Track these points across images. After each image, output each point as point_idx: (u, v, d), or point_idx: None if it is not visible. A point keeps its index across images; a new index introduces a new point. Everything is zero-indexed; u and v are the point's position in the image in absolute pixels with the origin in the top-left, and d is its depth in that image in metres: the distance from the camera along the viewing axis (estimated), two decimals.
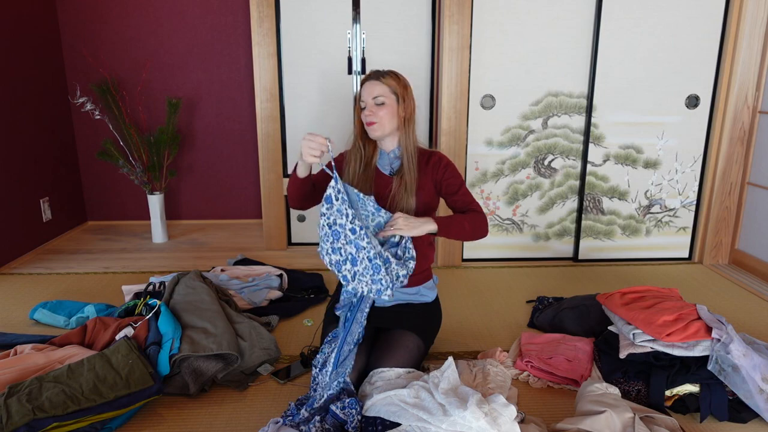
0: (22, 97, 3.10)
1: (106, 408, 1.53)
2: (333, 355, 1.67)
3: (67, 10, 3.44)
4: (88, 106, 3.21)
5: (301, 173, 1.74)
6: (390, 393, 1.54)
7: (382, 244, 1.68)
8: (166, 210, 3.70)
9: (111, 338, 1.88)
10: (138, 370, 1.65)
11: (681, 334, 1.70)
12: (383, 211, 1.72)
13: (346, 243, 1.62)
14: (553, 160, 2.99)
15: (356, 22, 2.95)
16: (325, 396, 1.60)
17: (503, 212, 3.05)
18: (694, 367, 1.68)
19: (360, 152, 1.84)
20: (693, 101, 2.94)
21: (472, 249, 3.08)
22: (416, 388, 1.53)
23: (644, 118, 2.95)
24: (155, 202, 3.37)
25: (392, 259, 1.65)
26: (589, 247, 3.11)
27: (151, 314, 1.93)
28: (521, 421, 1.51)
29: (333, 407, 1.56)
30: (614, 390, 1.61)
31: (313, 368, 1.72)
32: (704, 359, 1.68)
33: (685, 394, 1.68)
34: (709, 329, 1.71)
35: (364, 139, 1.84)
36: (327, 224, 1.63)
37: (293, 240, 3.31)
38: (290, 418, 1.56)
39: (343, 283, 1.69)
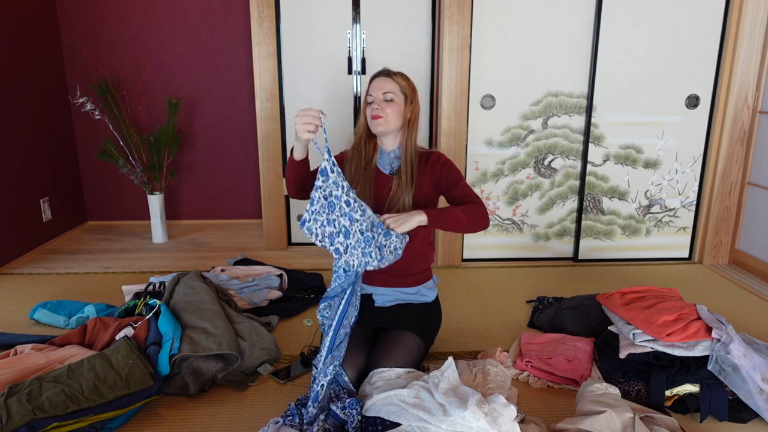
0: (22, 97, 3.10)
1: (106, 408, 1.53)
2: (328, 339, 1.65)
3: (67, 10, 3.44)
4: (88, 106, 3.21)
5: (298, 154, 1.70)
6: (390, 393, 1.54)
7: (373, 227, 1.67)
8: (166, 210, 3.70)
9: (111, 338, 1.88)
10: (138, 370, 1.65)
11: (681, 334, 1.70)
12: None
13: (341, 215, 1.61)
14: (553, 160, 2.99)
15: (356, 22, 2.95)
16: (325, 384, 1.59)
17: (503, 212, 3.05)
18: (694, 367, 1.68)
19: (361, 151, 1.84)
20: (693, 101, 2.94)
21: (472, 249, 3.08)
22: (416, 388, 1.53)
23: (644, 118, 2.95)
24: (155, 202, 3.37)
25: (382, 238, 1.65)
26: (589, 247, 3.11)
27: (151, 314, 1.93)
28: (521, 421, 1.51)
29: (333, 407, 1.56)
30: (614, 390, 1.61)
31: (314, 368, 1.71)
32: (704, 359, 1.68)
33: (685, 394, 1.68)
34: (709, 329, 1.71)
35: (366, 137, 1.84)
36: (323, 196, 1.61)
37: (293, 240, 3.31)
38: (290, 418, 1.56)
39: (335, 256, 1.66)
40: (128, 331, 1.87)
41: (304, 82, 3.03)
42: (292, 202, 3.26)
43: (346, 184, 1.61)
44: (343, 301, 1.69)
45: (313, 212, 1.63)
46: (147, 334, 1.84)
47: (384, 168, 1.86)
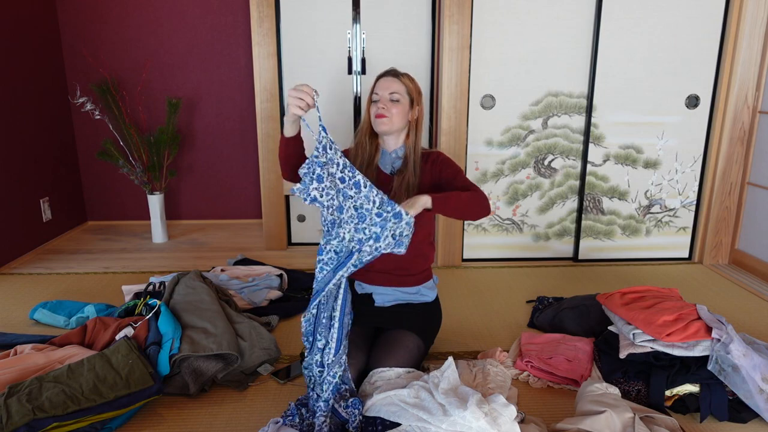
0: (22, 97, 3.10)
1: (106, 408, 1.53)
2: (335, 331, 1.63)
3: (67, 10, 3.44)
4: (88, 106, 3.21)
5: (288, 131, 1.67)
6: (390, 393, 1.54)
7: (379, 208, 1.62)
8: (166, 210, 3.70)
9: (111, 338, 1.88)
10: (138, 370, 1.65)
11: (681, 334, 1.70)
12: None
13: (336, 192, 1.60)
14: (553, 160, 2.99)
15: (356, 22, 2.95)
16: (340, 373, 1.60)
17: (503, 212, 3.05)
18: (694, 367, 1.68)
19: (364, 150, 1.84)
20: (693, 101, 2.94)
21: (472, 249, 3.08)
22: (416, 388, 1.54)
23: (644, 118, 2.95)
24: (155, 202, 3.37)
25: (384, 213, 1.60)
26: (589, 247, 3.11)
27: (151, 314, 1.93)
28: (521, 421, 1.51)
29: (336, 406, 1.56)
30: (614, 390, 1.61)
31: (306, 369, 1.70)
32: (704, 359, 1.68)
33: (685, 394, 1.68)
34: (709, 329, 1.71)
35: (369, 136, 1.85)
36: (327, 173, 1.60)
37: (293, 240, 3.32)
38: (290, 418, 1.56)
39: (325, 230, 1.64)
40: (128, 331, 1.87)
41: (304, 82, 3.02)
42: (292, 202, 3.26)
43: (342, 161, 1.59)
44: (341, 290, 1.67)
45: (312, 177, 1.60)
46: (147, 334, 1.84)
47: (385, 167, 1.86)
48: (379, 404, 1.52)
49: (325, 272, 1.67)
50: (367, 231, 1.59)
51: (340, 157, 1.60)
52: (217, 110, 3.64)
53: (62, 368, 1.62)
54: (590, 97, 2.90)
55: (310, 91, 1.55)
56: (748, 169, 2.95)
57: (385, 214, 1.58)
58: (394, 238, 1.59)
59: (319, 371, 1.64)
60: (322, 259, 1.67)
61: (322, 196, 1.59)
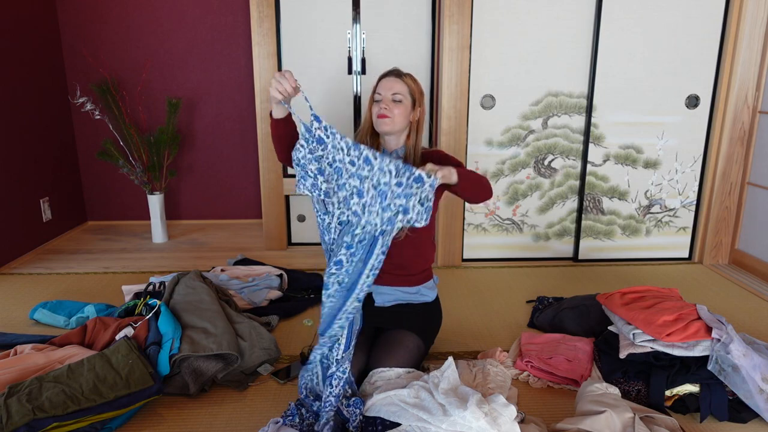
0: (22, 97, 3.10)
1: (106, 408, 1.53)
2: (346, 329, 1.63)
3: (67, 10, 3.44)
4: (88, 106, 3.21)
5: (275, 113, 1.66)
6: (390, 393, 1.54)
7: (398, 172, 1.56)
8: (166, 210, 3.69)
9: (111, 338, 1.88)
10: (138, 370, 1.65)
11: (681, 334, 1.70)
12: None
13: (349, 177, 1.58)
14: (553, 160, 2.99)
15: (356, 22, 2.95)
16: (343, 377, 1.59)
17: (503, 212, 3.05)
18: (694, 367, 1.68)
19: None
20: (693, 101, 2.94)
21: (472, 249, 3.08)
22: (416, 388, 1.54)
23: (644, 118, 2.95)
24: (155, 202, 3.37)
25: (404, 182, 1.55)
26: (589, 247, 3.11)
27: (151, 314, 1.93)
28: (521, 421, 1.51)
29: (339, 405, 1.57)
30: (614, 390, 1.61)
31: (307, 369, 1.69)
32: (704, 359, 1.68)
33: (685, 394, 1.68)
34: (709, 329, 1.71)
35: (370, 135, 1.85)
36: (328, 164, 1.58)
37: (293, 240, 3.32)
38: (290, 418, 1.56)
39: (353, 219, 1.60)
40: (128, 331, 1.87)
41: (304, 82, 3.02)
42: (292, 201, 3.26)
43: (344, 143, 1.57)
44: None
45: (320, 178, 1.59)
46: (147, 334, 1.84)
47: None
48: (379, 404, 1.52)
49: (330, 305, 1.65)
50: (392, 206, 1.56)
51: (341, 140, 1.57)
52: (217, 110, 3.64)
53: (62, 368, 1.62)
54: (590, 97, 2.90)
55: (291, 79, 1.55)
56: (748, 169, 2.95)
57: (405, 182, 1.54)
58: (422, 205, 1.55)
59: (324, 368, 1.65)
60: (356, 222, 1.61)
61: (324, 183, 1.58)
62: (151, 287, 2.30)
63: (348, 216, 1.62)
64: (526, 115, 2.92)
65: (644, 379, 1.73)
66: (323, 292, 1.66)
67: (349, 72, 3.01)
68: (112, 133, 3.38)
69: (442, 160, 1.83)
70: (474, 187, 1.70)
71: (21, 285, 2.69)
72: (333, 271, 1.64)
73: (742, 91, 2.85)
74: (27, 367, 1.68)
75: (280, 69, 2.99)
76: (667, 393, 1.69)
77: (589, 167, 2.99)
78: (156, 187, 3.39)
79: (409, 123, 1.81)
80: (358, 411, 1.54)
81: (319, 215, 1.67)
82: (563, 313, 2.20)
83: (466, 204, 3.00)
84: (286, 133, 1.69)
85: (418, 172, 1.54)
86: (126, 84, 3.54)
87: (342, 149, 1.57)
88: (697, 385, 1.67)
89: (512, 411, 1.43)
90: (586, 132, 2.94)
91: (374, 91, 1.81)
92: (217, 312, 1.98)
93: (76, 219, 3.70)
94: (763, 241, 2.87)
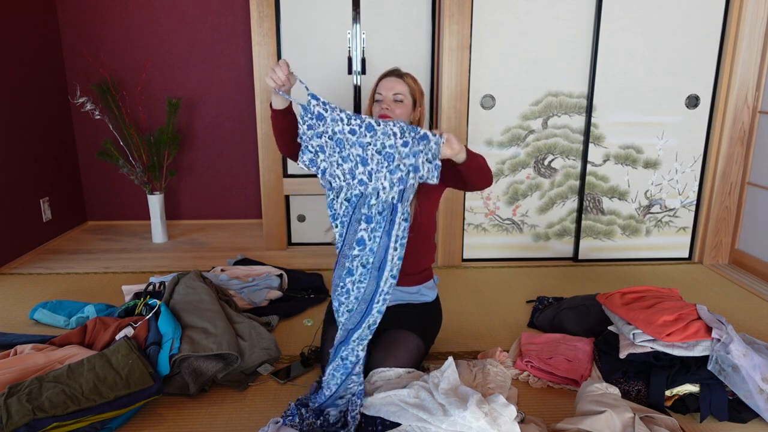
0: (22, 97, 3.10)
1: (106, 408, 1.53)
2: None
3: (67, 10, 3.44)
4: (88, 106, 3.21)
5: (275, 104, 1.67)
6: (390, 393, 1.54)
7: (403, 134, 1.53)
8: (166, 210, 3.69)
9: (111, 338, 1.88)
10: (138, 370, 1.65)
11: (681, 334, 1.70)
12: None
13: (350, 146, 1.56)
14: (553, 160, 2.99)
15: (356, 22, 2.95)
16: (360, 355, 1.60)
17: (503, 212, 3.05)
18: (694, 367, 1.68)
19: None
20: (693, 101, 2.94)
21: (472, 249, 3.08)
22: (416, 388, 1.54)
23: (644, 118, 2.95)
24: (155, 202, 3.37)
25: (410, 141, 1.52)
26: (589, 247, 3.11)
27: (151, 314, 1.93)
28: (521, 421, 1.51)
29: (339, 401, 1.57)
30: (614, 390, 1.61)
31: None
32: (704, 359, 1.68)
33: (685, 394, 1.68)
34: (709, 329, 1.71)
35: None
36: (329, 137, 1.57)
37: (293, 240, 3.32)
38: (290, 418, 1.56)
39: (361, 188, 1.58)
40: (128, 331, 1.87)
41: (304, 82, 3.02)
42: (292, 201, 3.26)
43: (343, 114, 1.55)
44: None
45: (319, 152, 1.58)
46: (147, 334, 1.84)
47: None
48: (379, 404, 1.52)
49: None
50: (402, 167, 1.54)
51: (341, 112, 1.56)
52: (217, 110, 3.64)
53: (62, 368, 1.62)
54: (590, 97, 2.90)
55: (284, 67, 1.55)
56: (748, 169, 2.95)
57: (410, 141, 1.52)
58: (430, 162, 1.52)
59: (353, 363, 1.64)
60: (362, 191, 1.59)
61: (324, 160, 1.57)
62: (151, 287, 2.30)
63: (357, 190, 1.59)
64: (526, 115, 2.92)
65: (644, 379, 1.73)
66: (343, 281, 1.62)
67: (349, 72, 3.01)
68: (112, 133, 3.38)
69: (444, 161, 1.83)
70: (480, 170, 1.68)
71: (21, 285, 2.69)
72: (356, 252, 1.61)
73: (742, 91, 2.85)
74: (27, 367, 1.68)
75: None
76: (667, 393, 1.68)
77: (589, 167, 2.99)
78: (156, 187, 3.39)
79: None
80: (358, 410, 1.55)
81: (326, 189, 1.65)
82: (563, 313, 2.20)
83: (467, 204, 3.00)
84: (285, 125, 1.70)
85: (423, 130, 1.52)
86: (126, 84, 3.53)
87: (342, 120, 1.55)
88: (697, 385, 1.67)
89: (512, 411, 1.42)
90: (586, 132, 2.94)
91: (374, 91, 1.81)
92: (217, 312, 1.98)
93: (76, 219, 3.70)
94: (763, 241, 2.87)
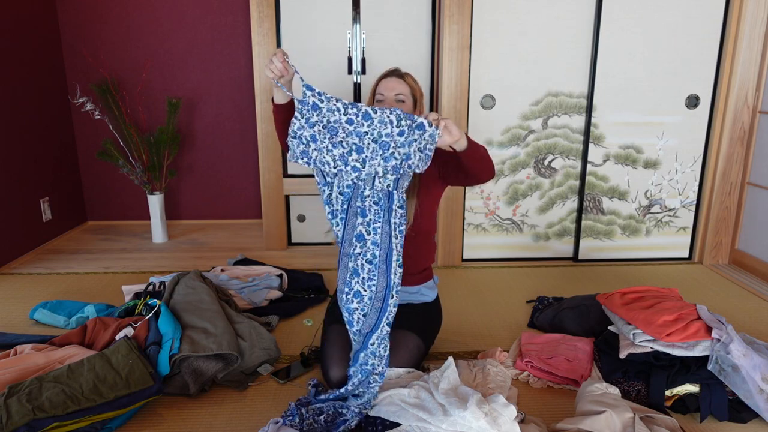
0: (22, 97, 3.10)
1: (106, 408, 1.53)
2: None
3: (67, 10, 3.44)
4: (88, 106, 3.21)
5: (276, 98, 1.67)
6: (390, 393, 1.54)
7: (400, 122, 1.53)
8: (166, 210, 3.69)
9: (111, 338, 1.88)
10: (138, 370, 1.65)
11: (681, 334, 1.70)
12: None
13: (346, 135, 1.55)
14: (553, 160, 2.99)
15: (356, 22, 2.95)
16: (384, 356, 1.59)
17: (503, 212, 3.05)
18: (694, 367, 1.68)
19: None
20: (693, 101, 2.94)
21: (472, 249, 3.08)
22: (416, 388, 1.54)
23: (644, 118, 2.95)
24: (155, 202, 3.37)
25: (406, 131, 1.53)
26: (589, 247, 3.11)
27: (151, 314, 1.93)
28: (521, 421, 1.51)
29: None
30: (614, 390, 1.61)
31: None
32: (704, 359, 1.68)
33: (685, 394, 1.68)
34: (709, 329, 1.71)
35: None
36: (322, 126, 1.56)
37: (293, 240, 3.32)
38: (290, 418, 1.56)
39: (354, 174, 1.57)
40: (128, 331, 1.87)
41: (304, 80, 3.02)
42: (292, 201, 3.26)
43: (340, 104, 1.55)
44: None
45: (307, 140, 1.57)
46: (147, 334, 1.84)
47: None
48: (379, 404, 1.52)
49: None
50: (397, 155, 1.53)
51: (337, 101, 1.55)
52: (217, 110, 3.64)
53: (62, 368, 1.62)
54: (590, 97, 2.90)
55: (280, 55, 1.56)
56: (748, 169, 2.95)
57: (407, 131, 1.52)
58: (421, 151, 1.52)
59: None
60: (356, 175, 1.59)
61: (315, 152, 1.56)
62: (151, 287, 2.30)
63: (349, 179, 1.58)
64: (526, 115, 2.92)
65: (644, 379, 1.73)
66: (349, 285, 1.61)
67: (349, 72, 3.01)
68: (112, 133, 3.38)
69: (445, 153, 1.82)
70: (482, 160, 1.67)
71: (21, 285, 2.69)
72: (358, 250, 1.60)
73: (742, 91, 2.85)
74: (27, 367, 1.68)
75: None
76: (667, 393, 1.68)
77: (589, 167, 2.99)
78: (156, 187, 3.39)
79: None
80: (358, 410, 1.55)
81: (320, 186, 1.64)
82: (563, 313, 2.20)
83: (467, 204, 3.00)
84: (286, 117, 1.69)
85: (420, 119, 1.51)
86: (126, 84, 3.53)
87: (338, 110, 1.55)
88: (697, 385, 1.67)
89: (512, 411, 1.43)
90: (586, 132, 2.94)
91: (375, 91, 1.81)
92: (217, 312, 1.98)
93: (76, 219, 3.70)
94: (763, 241, 2.87)
